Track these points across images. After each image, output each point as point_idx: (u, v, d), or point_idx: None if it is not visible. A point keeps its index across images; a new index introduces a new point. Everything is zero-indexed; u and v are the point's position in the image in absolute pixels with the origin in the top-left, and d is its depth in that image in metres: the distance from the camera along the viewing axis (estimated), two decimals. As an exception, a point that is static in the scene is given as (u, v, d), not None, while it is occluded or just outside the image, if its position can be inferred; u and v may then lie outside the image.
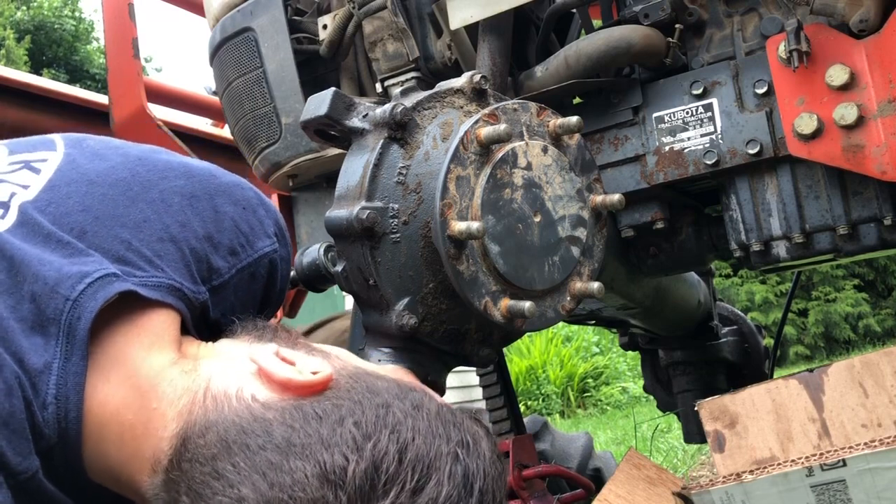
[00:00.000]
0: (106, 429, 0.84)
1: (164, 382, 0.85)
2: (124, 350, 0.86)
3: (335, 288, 1.19)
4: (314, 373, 0.83)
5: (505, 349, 2.33)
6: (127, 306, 0.87)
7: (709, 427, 1.33)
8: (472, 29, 1.56)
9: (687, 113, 1.47)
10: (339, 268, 1.08)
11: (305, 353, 0.89)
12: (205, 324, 0.98)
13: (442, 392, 1.13)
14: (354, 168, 1.06)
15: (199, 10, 2.27)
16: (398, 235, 1.03)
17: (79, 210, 0.90)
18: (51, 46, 20.02)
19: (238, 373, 0.85)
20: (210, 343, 0.94)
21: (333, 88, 1.08)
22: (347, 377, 0.85)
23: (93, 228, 0.89)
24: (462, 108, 1.12)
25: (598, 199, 1.18)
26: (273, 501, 0.71)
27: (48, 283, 0.83)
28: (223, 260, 0.97)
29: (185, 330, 0.94)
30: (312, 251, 1.24)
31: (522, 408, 9.38)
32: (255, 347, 0.89)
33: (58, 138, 1.01)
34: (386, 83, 1.64)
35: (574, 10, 1.73)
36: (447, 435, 0.79)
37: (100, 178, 0.94)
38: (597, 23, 1.80)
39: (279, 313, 2.27)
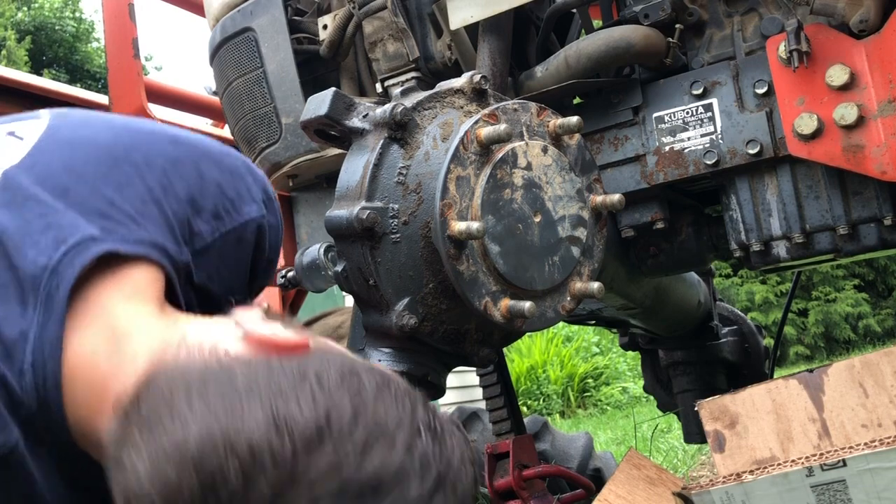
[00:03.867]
0: (76, 374, 0.83)
1: (139, 331, 0.84)
2: (103, 301, 0.86)
3: (335, 288, 1.19)
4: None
5: (505, 349, 2.33)
6: (107, 263, 0.87)
7: (709, 427, 1.33)
8: (472, 29, 1.56)
9: (687, 113, 1.47)
10: (339, 268, 1.08)
11: (291, 330, 0.89)
12: (191, 287, 0.98)
13: (442, 392, 1.13)
14: (354, 168, 1.06)
15: (199, 10, 2.27)
16: (398, 235, 1.03)
17: (62, 170, 0.90)
18: (51, 47, 20.00)
19: (217, 331, 0.85)
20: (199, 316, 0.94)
21: (333, 88, 1.08)
22: (324, 347, 0.84)
23: (76, 187, 0.89)
24: (462, 108, 1.12)
25: (598, 199, 1.18)
26: (217, 437, 0.69)
27: (26, 250, 0.83)
28: (206, 223, 0.96)
29: (173, 295, 0.94)
30: (312, 251, 1.24)
31: (523, 408, 9.38)
32: (241, 312, 0.89)
33: (43, 111, 1.02)
34: (386, 83, 1.64)
35: (574, 10, 1.73)
36: (412, 410, 0.76)
37: (83, 141, 0.95)
38: (597, 23, 1.80)
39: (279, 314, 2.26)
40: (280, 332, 0.83)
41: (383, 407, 0.74)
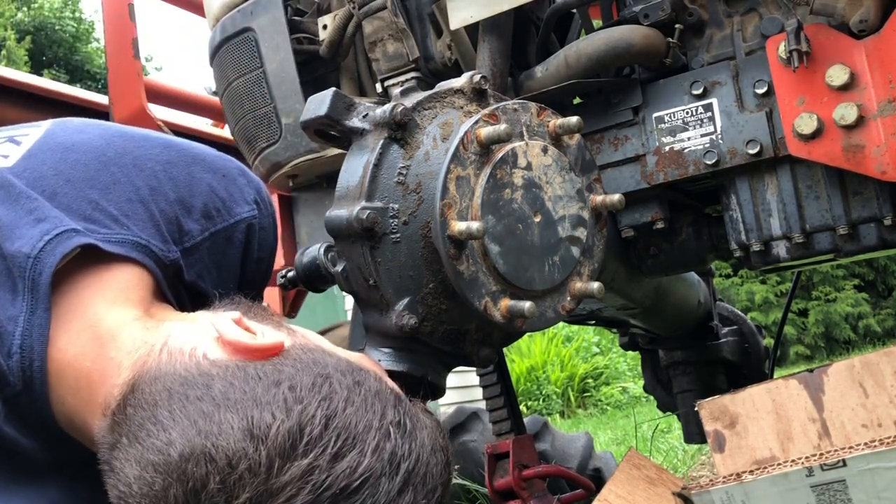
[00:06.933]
0: (64, 374, 0.87)
1: (124, 334, 0.88)
2: (87, 302, 0.89)
3: (335, 288, 1.19)
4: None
5: (505, 349, 2.33)
6: (91, 262, 0.91)
7: (709, 427, 1.33)
8: (472, 29, 1.56)
9: (687, 113, 1.47)
10: (339, 268, 1.08)
11: (272, 328, 0.91)
12: (182, 285, 1.00)
13: (442, 392, 1.13)
14: (354, 168, 1.06)
15: (199, 10, 2.27)
16: (398, 235, 1.03)
17: (52, 174, 0.94)
18: (51, 47, 20.00)
19: (198, 334, 0.88)
20: (184, 313, 0.97)
21: (333, 88, 1.09)
22: (300, 349, 0.86)
23: (63, 190, 0.93)
24: (462, 108, 1.12)
25: (598, 199, 1.18)
26: (197, 447, 0.74)
27: (14, 243, 0.88)
28: (195, 223, 1.00)
29: (161, 293, 0.97)
30: (312, 251, 1.24)
31: (523, 408, 9.38)
32: (219, 313, 0.91)
33: (45, 122, 1.06)
34: (386, 83, 1.64)
35: (574, 10, 1.73)
36: (382, 412, 0.81)
37: (76, 146, 0.98)
38: (597, 23, 1.80)
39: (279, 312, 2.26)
40: (260, 335, 0.86)
41: (353, 410, 0.79)
